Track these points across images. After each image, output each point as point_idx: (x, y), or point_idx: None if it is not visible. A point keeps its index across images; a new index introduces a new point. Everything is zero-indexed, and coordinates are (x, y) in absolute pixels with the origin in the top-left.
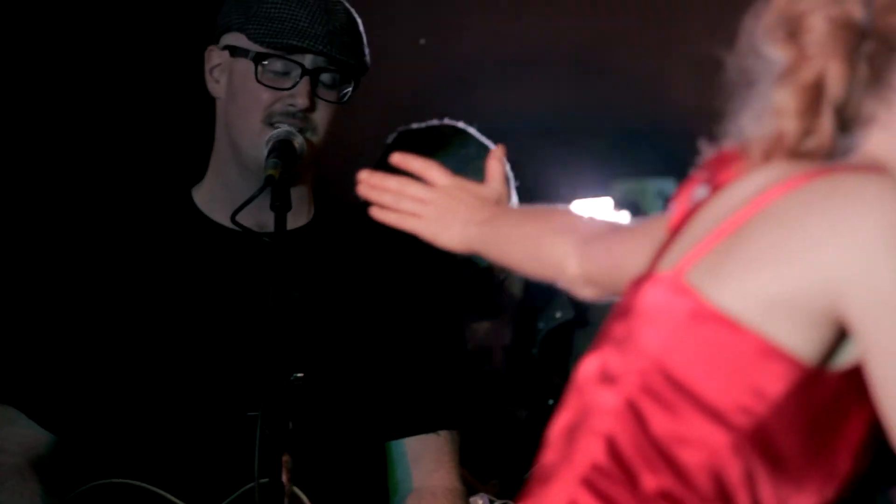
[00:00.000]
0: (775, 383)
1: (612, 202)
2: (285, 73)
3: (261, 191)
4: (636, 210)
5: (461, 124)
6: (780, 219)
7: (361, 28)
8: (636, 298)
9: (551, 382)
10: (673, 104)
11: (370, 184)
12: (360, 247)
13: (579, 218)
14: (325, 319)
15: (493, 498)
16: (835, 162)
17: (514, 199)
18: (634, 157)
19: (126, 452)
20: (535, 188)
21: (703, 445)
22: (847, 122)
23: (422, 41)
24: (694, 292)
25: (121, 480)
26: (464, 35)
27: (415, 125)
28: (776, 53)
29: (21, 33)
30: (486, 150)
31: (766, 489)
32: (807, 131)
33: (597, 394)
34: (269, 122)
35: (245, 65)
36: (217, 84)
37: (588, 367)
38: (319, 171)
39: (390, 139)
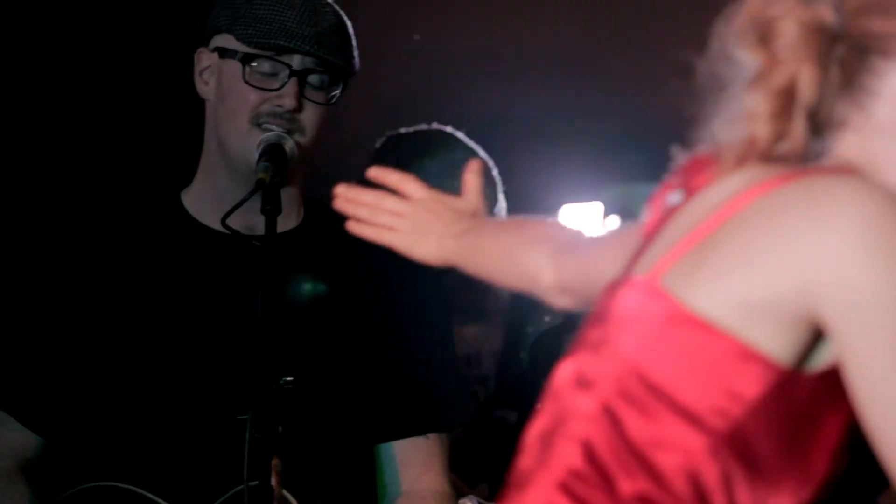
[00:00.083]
0: (751, 386)
1: (602, 207)
2: (273, 74)
3: (251, 194)
4: (626, 215)
5: (449, 129)
6: (754, 222)
7: (351, 30)
8: (612, 303)
9: (541, 387)
10: (664, 109)
11: (347, 198)
12: (349, 249)
13: (554, 228)
14: (315, 322)
15: (483, 501)
16: (808, 165)
17: (503, 203)
18: (625, 162)
19: (115, 456)
20: (525, 192)
21: (680, 449)
22: (819, 125)
23: (416, 36)
24: (669, 296)
25: (110, 484)
26: (457, 34)
27: (403, 130)
28: (748, 58)
29: (10, 38)
30: (473, 154)
31: (743, 491)
32: (779, 135)
33: (573, 399)
34: (257, 123)
35: (233, 66)
36: (206, 86)
37: (564, 372)
38: (310, 171)
39: (379, 143)
